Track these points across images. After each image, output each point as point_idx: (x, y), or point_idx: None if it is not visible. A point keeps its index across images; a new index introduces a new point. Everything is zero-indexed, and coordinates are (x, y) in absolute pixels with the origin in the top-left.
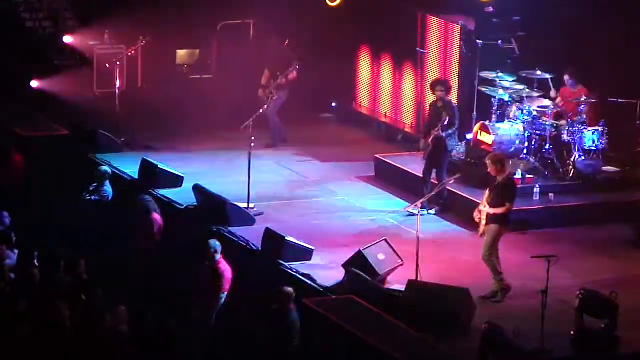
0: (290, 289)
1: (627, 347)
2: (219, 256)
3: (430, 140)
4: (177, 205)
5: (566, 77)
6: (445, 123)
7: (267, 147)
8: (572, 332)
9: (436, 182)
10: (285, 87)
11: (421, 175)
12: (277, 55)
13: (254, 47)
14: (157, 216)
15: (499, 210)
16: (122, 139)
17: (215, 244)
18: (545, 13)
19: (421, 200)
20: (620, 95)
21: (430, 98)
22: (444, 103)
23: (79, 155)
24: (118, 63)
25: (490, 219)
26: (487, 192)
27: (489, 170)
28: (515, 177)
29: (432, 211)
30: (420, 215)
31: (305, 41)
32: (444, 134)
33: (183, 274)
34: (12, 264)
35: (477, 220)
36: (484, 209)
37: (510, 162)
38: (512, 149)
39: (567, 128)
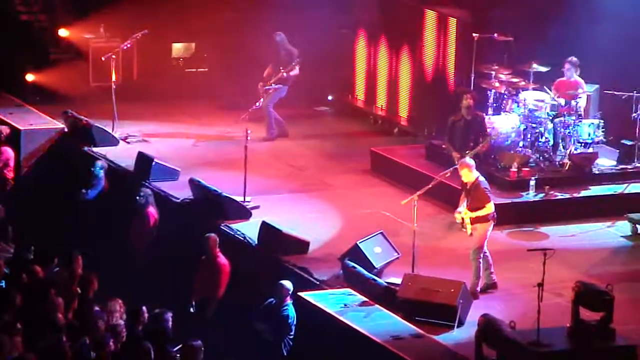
0: (288, 283)
1: (622, 340)
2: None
3: None
4: (173, 199)
5: (567, 67)
6: (480, 140)
7: (263, 140)
8: (568, 325)
9: None
10: (286, 81)
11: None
12: (279, 50)
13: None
14: (152, 210)
15: (482, 212)
16: (118, 133)
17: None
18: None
19: (418, 193)
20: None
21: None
22: (472, 116)
23: (74, 149)
24: (114, 56)
25: (475, 220)
26: (462, 198)
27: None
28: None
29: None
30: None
31: (301, 32)
32: (480, 151)
33: (180, 268)
34: (8, 258)
35: (459, 223)
36: (467, 216)
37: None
38: (508, 142)
39: (563, 120)
